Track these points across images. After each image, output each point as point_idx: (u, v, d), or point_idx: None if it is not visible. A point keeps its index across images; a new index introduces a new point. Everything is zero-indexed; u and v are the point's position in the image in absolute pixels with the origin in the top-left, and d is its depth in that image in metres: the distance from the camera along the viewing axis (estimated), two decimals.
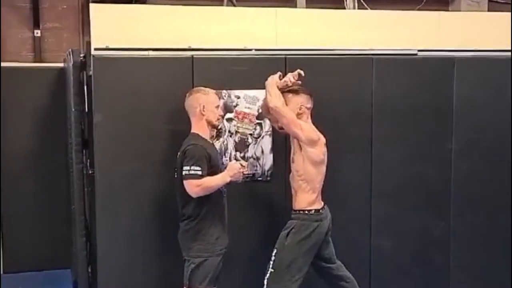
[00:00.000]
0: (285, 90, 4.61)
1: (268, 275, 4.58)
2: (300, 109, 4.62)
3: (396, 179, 5.46)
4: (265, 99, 4.75)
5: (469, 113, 5.53)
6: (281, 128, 4.75)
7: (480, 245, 5.68)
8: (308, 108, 4.67)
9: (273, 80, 4.61)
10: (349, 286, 4.85)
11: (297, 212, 4.64)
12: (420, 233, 5.56)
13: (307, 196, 4.61)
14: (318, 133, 4.64)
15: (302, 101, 4.66)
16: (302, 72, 4.59)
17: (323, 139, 4.63)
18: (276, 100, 4.55)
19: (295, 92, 4.64)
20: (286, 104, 4.60)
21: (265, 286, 4.58)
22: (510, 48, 5.51)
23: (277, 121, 4.73)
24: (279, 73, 4.65)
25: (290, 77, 4.60)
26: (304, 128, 4.58)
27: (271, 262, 4.58)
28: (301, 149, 4.59)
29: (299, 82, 4.62)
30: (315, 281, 4.86)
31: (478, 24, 5.66)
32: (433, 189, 5.55)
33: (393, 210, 5.47)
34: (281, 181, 5.03)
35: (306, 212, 4.61)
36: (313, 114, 4.73)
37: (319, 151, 4.61)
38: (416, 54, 5.48)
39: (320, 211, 4.64)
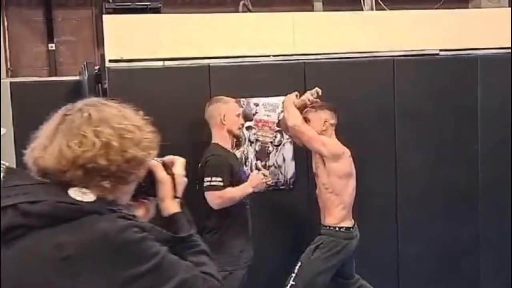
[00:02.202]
0: (308, 106, 4.50)
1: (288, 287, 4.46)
2: (323, 125, 4.48)
3: (421, 183, 5.33)
4: (283, 118, 4.64)
5: (495, 112, 5.39)
6: (304, 145, 4.62)
7: (510, 248, 5.51)
8: (332, 125, 4.52)
9: (290, 99, 4.50)
10: None
11: (327, 227, 4.50)
12: (448, 238, 5.42)
13: (337, 211, 4.47)
14: (342, 146, 4.49)
15: (326, 117, 4.51)
16: (319, 90, 4.47)
17: (347, 152, 4.48)
18: (294, 118, 4.43)
19: (319, 107, 4.51)
20: (309, 120, 4.48)
21: None
22: (510, 46, 5.36)
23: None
24: (295, 92, 4.53)
25: (309, 96, 4.47)
26: (327, 143, 4.44)
27: (293, 275, 4.45)
28: (324, 164, 4.46)
29: (318, 100, 4.50)
30: None
31: (501, 21, 5.50)
32: (460, 192, 5.41)
33: (420, 215, 5.34)
34: (304, 189, 4.93)
35: (337, 228, 4.47)
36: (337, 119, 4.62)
37: (345, 165, 4.47)
38: (437, 54, 5.35)
39: (351, 229, 4.51)
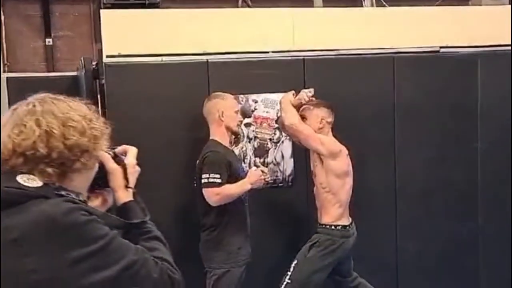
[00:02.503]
0: (304, 104, 4.47)
1: (283, 286, 4.43)
2: (320, 123, 4.45)
3: (421, 181, 5.30)
4: (280, 117, 4.61)
5: (495, 111, 5.36)
6: (302, 143, 4.58)
7: (509, 246, 5.49)
8: (328, 123, 4.49)
9: (287, 98, 4.47)
10: None
11: (323, 226, 4.48)
12: (448, 236, 5.40)
13: (333, 210, 4.45)
14: (340, 144, 4.47)
15: (323, 114, 4.48)
16: (312, 90, 4.45)
17: (345, 150, 4.46)
18: (291, 117, 4.41)
19: (316, 105, 4.48)
20: (306, 117, 4.45)
21: None
22: (510, 43, 5.33)
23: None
24: (292, 91, 4.50)
25: (304, 95, 4.44)
26: (324, 142, 4.41)
27: (289, 273, 4.43)
28: (322, 162, 4.43)
29: (314, 99, 4.47)
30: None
31: (502, 19, 5.47)
32: (459, 191, 5.39)
33: (420, 213, 5.31)
34: (302, 186, 4.89)
35: (333, 227, 4.45)
36: (334, 116, 4.58)
37: (342, 163, 4.44)
38: (438, 51, 5.31)
39: (348, 227, 4.48)
